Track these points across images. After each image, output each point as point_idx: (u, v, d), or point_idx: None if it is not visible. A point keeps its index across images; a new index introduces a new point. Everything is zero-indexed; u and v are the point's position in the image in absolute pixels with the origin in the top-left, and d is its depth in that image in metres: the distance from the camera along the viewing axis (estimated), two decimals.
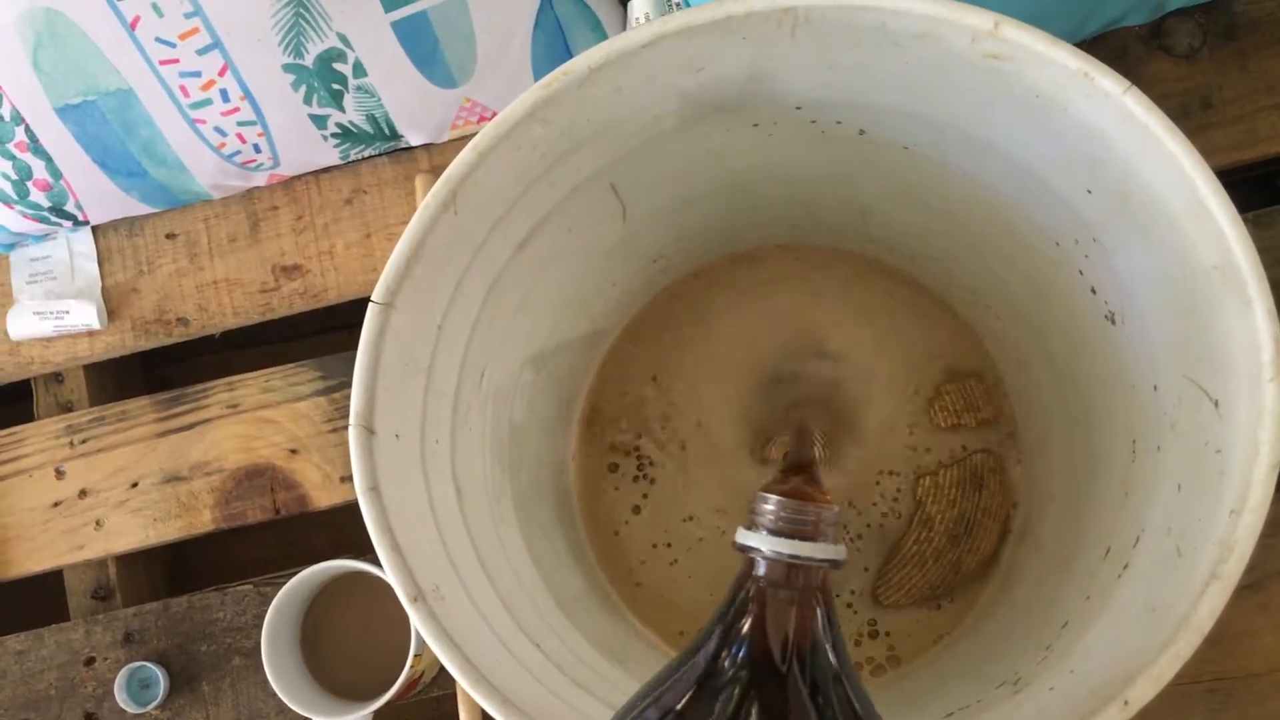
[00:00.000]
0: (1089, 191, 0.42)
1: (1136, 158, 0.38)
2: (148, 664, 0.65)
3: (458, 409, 0.45)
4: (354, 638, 0.62)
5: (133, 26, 0.57)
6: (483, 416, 0.48)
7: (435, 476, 0.42)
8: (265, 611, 0.65)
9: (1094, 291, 0.46)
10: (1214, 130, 0.64)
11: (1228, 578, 0.34)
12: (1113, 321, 0.46)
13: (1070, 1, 0.59)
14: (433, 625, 0.36)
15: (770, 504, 0.39)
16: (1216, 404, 0.38)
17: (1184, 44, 0.65)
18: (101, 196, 0.65)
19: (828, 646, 0.36)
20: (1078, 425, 0.52)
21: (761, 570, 0.37)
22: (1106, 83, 0.36)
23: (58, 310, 0.69)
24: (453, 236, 0.40)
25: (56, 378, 0.72)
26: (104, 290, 0.70)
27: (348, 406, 0.67)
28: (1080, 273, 0.47)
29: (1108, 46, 0.65)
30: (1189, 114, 0.64)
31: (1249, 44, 0.65)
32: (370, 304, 0.38)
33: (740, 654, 0.36)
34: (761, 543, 0.37)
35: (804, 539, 0.37)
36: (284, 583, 0.63)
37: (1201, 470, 0.38)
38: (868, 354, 0.59)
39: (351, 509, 0.68)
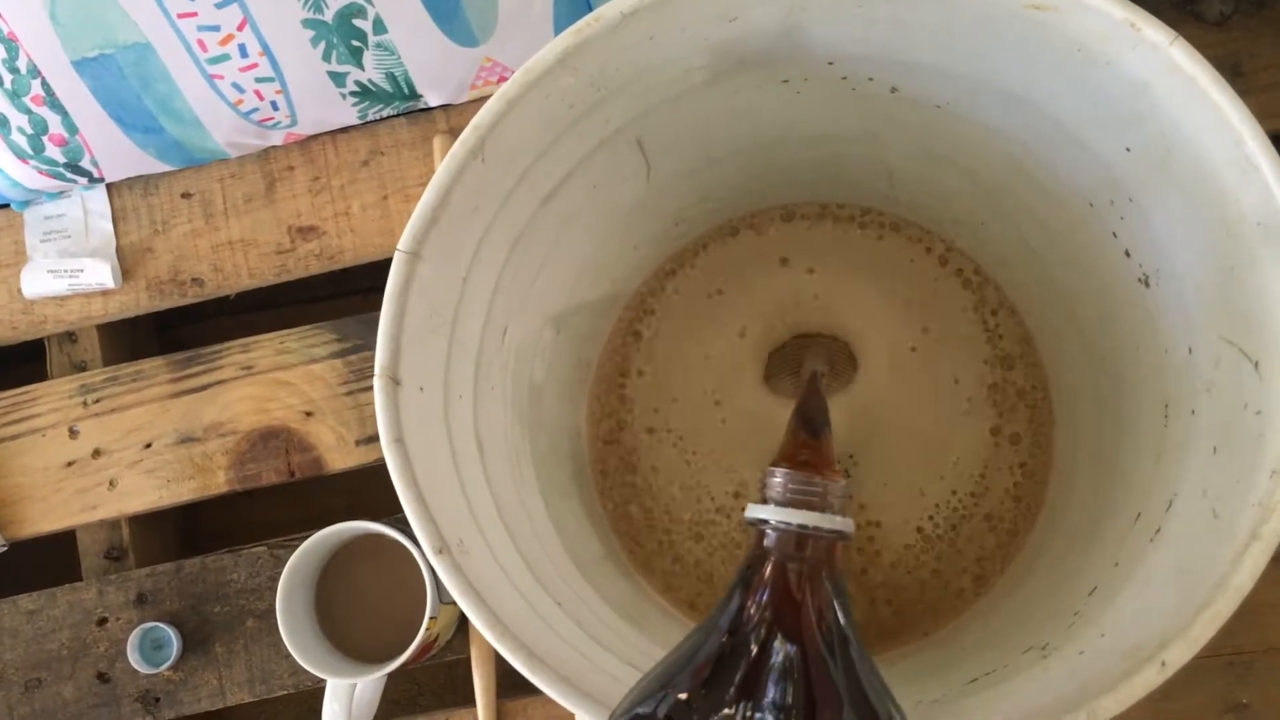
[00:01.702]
0: (1127, 149, 0.41)
1: (1180, 111, 0.37)
2: (160, 624, 0.65)
3: (480, 365, 0.45)
4: (369, 600, 0.62)
5: None
6: (504, 374, 0.48)
7: (458, 432, 0.42)
8: (279, 574, 0.65)
9: (1128, 254, 0.46)
10: (1245, 98, 0.63)
11: (1269, 538, 0.33)
12: (1146, 285, 0.45)
13: None
14: (458, 578, 0.36)
15: (779, 477, 0.40)
16: (1256, 365, 0.37)
17: (1215, 11, 0.64)
18: (117, 153, 0.64)
19: (838, 615, 0.37)
20: (1106, 392, 0.51)
21: (770, 542, 0.38)
22: (1153, 33, 0.36)
23: (72, 269, 0.68)
24: (480, 185, 0.39)
25: (70, 337, 0.71)
26: (119, 249, 0.70)
27: (363, 369, 0.67)
28: (1114, 235, 0.46)
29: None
30: None
31: (1279, 12, 0.64)
32: (396, 253, 0.38)
33: (755, 626, 0.36)
34: (770, 514, 0.38)
35: (811, 510, 0.38)
36: (298, 545, 0.63)
37: (1239, 432, 0.38)
38: (886, 316, 0.58)
39: (366, 472, 0.67)
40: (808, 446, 0.44)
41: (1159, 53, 0.36)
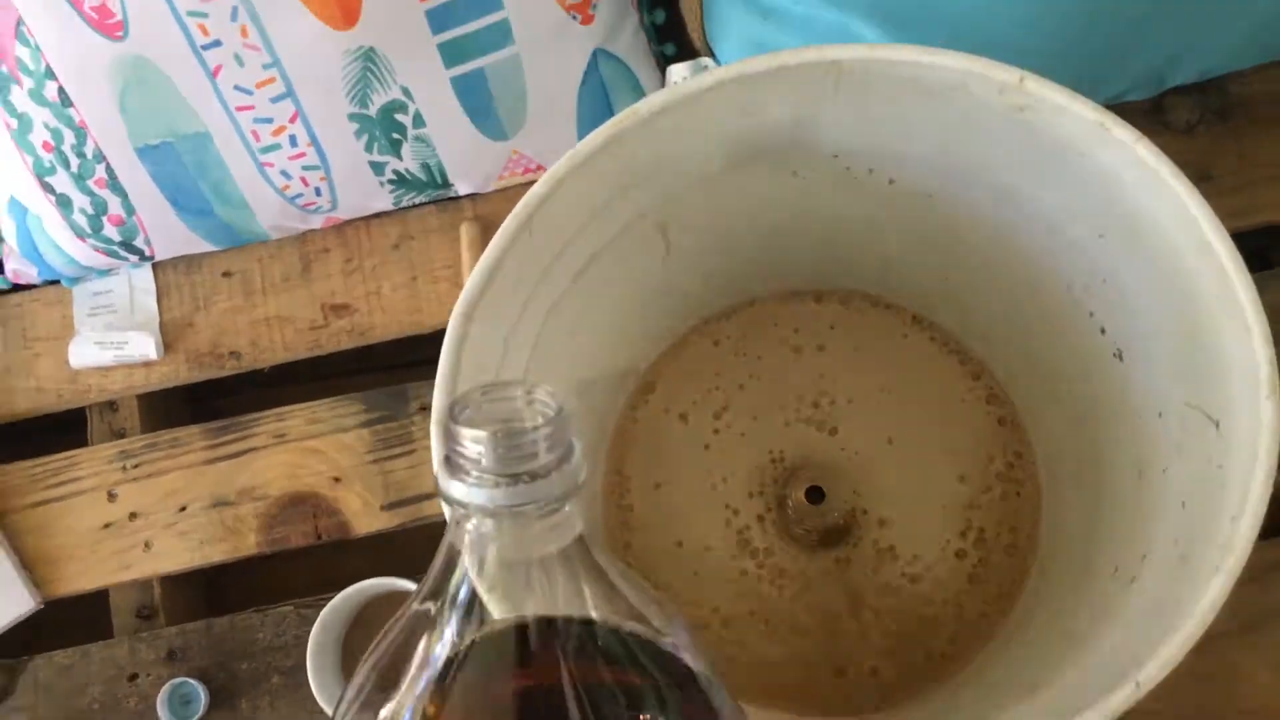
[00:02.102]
0: (1101, 235, 0.46)
1: (1147, 200, 0.42)
2: (189, 680, 0.68)
3: None
4: None
5: (215, 75, 0.61)
6: None
7: None
8: (304, 632, 0.68)
9: (1103, 331, 0.50)
10: (1211, 200, 0.69)
11: (1229, 571, 0.37)
12: (1120, 358, 0.50)
13: (1076, 75, 0.63)
14: None
15: (464, 437, 0.28)
16: (1218, 424, 0.42)
17: (1182, 120, 0.70)
18: (169, 233, 0.69)
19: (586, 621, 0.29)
20: (1086, 460, 0.56)
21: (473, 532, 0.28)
22: (1121, 132, 0.41)
23: (117, 341, 0.73)
24: (526, 257, 0.44)
25: (111, 406, 0.75)
26: (161, 324, 0.74)
27: (389, 438, 0.72)
28: (1091, 314, 0.51)
29: None
30: None
31: (1242, 121, 0.70)
32: (453, 315, 0.42)
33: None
34: (466, 494, 0.28)
35: (518, 479, 0.27)
36: (322, 605, 0.66)
37: (1205, 486, 0.42)
38: (880, 401, 0.63)
39: (389, 536, 0.71)
40: None
41: (1126, 149, 0.41)
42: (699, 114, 0.44)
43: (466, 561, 0.29)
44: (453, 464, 0.28)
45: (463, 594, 0.30)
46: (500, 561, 0.29)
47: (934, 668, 0.59)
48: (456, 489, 0.28)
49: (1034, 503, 0.60)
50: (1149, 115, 0.70)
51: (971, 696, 0.56)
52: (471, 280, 0.42)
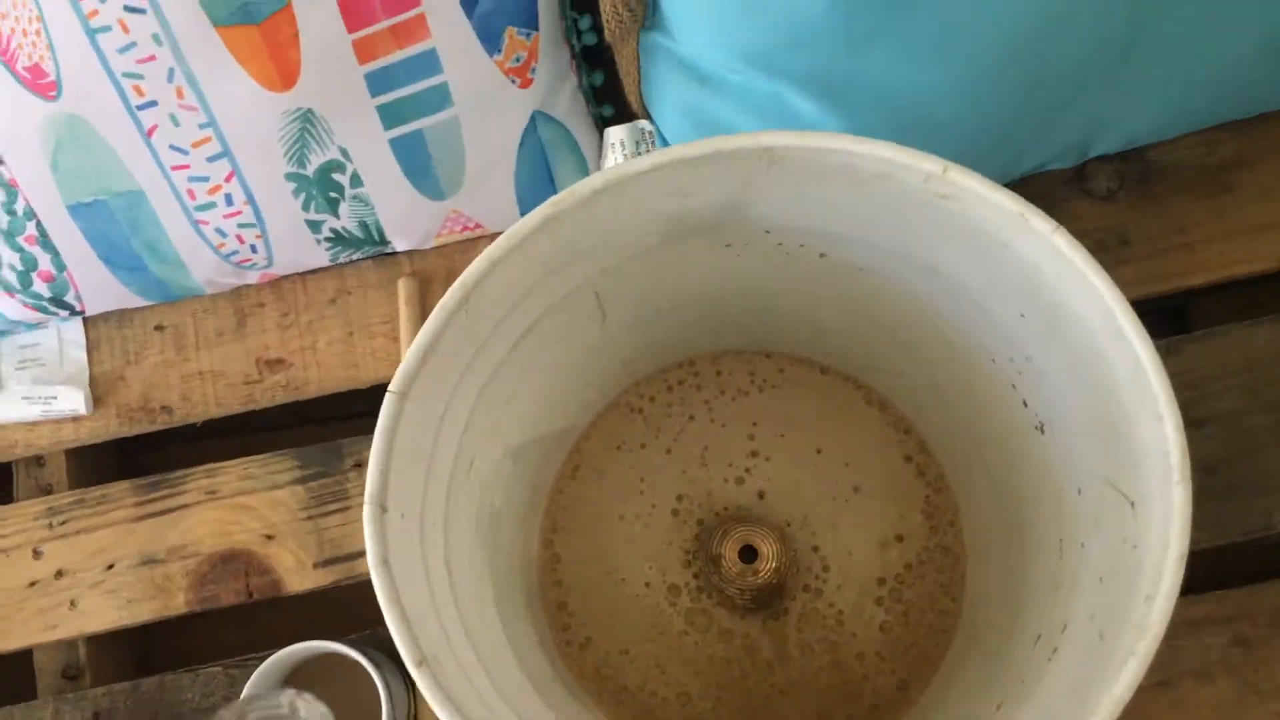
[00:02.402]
0: (1022, 315, 0.48)
1: (1064, 288, 0.43)
2: None
3: (450, 494, 0.49)
4: None
5: (149, 134, 0.61)
6: (470, 502, 0.52)
7: (431, 555, 0.46)
8: (234, 693, 0.67)
9: (1025, 404, 0.52)
10: (1130, 264, 0.71)
11: (1143, 654, 0.39)
12: (1042, 431, 0.51)
13: (1002, 147, 0.65)
14: (437, 690, 0.40)
15: None
16: (1133, 505, 0.43)
17: (1103, 187, 0.73)
18: (101, 289, 0.69)
19: None
20: (1013, 528, 0.57)
21: None
22: (1038, 223, 0.42)
23: (45, 395, 0.72)
24: (462, 334, 0.44)
25: (38, 461, 0.74)
26: (91, 378, 0.73)
27: (323, 495, 0.71)
28: (1014, 386, 0.52)
29: (1035, 187, 0.72)
30: (1108, 249, 0.71)
31: (1161, 188, 0.72)
32: (388, 394, 0.43)
33: None
34: None
35: None
36: (252, 664, 0.66)
37: (1121, 563, 0.43)
38: (812, 461, 0.64)
39: (321, 595, 0.71)
40: None
41: (1044, 239, 0.42)
42: (636, 194, 0.45)
43: None
44: None
45: None
46: None
47: None
48: None
49: (960, 566, 0.62)
50: (1070, 184, 0.72)
51: None
52: (407, 359, 0.43)
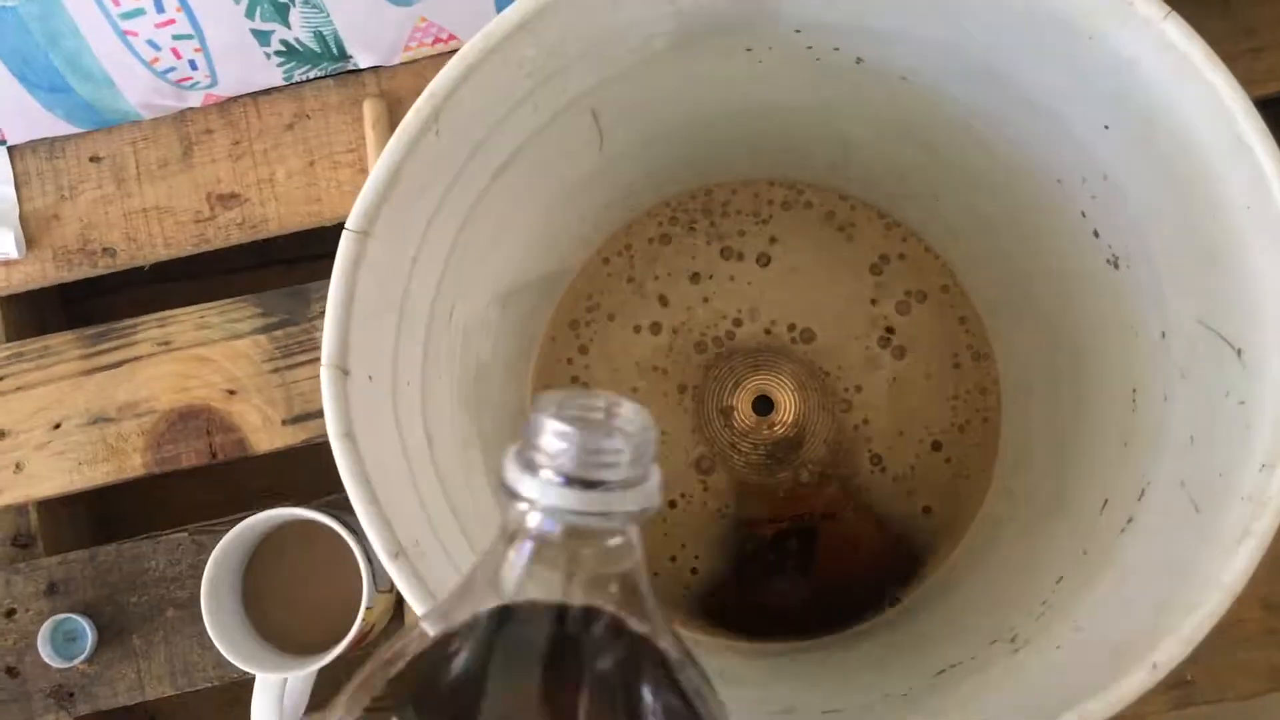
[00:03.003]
0: (1106, 127, 0.40)
1: (1169, 90, 0.35)
2: (73, 615, 0.61)
3: (428, 349, 0.42)
4: (300, 589, 0.59)
5: None
6: (451, 357, 0.45)
7: (407, 422, 0.39)
8: (200, 560, 0.62)
9: (1097, 234, 0.44)
10: (1258, 63, 0.63)
11: (1261, 535, 0.32)
12: (1115, 266, 0.44)
13: None
14: (416, 584, 0.33)
15: (546, 430, 0.24)
16: (1239, 353, 0.36)
17: None
18: (21, 113, 0.60)
19: (647, 642, 0.26)
20: (1064, 372, 0.50)
21: (535, 530, 0.24)
22: (1145, 7, 0.34)
23: None
24: (432, 159, 0.36)
25: None
26: (22, 217, 0.65)
27: (290, 345, 0.64)
28: (1083, 214, 0.45)
29: None
30: None
31: None
32: (345, 232, 0.35)
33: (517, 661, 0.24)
34: (536, 492, 0.24)
35: (594, 487, 0.24)
36: (220, 530, 0.60)
37: (1221, 422, 0.37)
38: (835, 295, 0.57)
39: (293, 453, 0.64)
40: None
41: (1150, 28, 0.34)
42: None
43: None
44: (524, 458, 0.24)
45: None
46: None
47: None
48: (527, 485, 0.24)
49: (994, 417, 0.55)
50: None
51: (938, 624, 0.51)
52: (365, 192, 0.35)
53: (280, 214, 0.65)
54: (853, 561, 0.56)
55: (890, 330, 0.57)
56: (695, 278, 0.58)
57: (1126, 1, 0.34)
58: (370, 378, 0.37)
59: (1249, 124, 0.34)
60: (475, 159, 0.40)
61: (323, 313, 0.63)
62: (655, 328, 0.57)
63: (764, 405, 0.57)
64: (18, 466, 0.64)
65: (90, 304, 0.73)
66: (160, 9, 0.55)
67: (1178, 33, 0.34)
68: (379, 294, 0.37)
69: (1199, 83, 0.34)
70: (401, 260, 0.38)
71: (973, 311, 0.57)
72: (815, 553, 0.56)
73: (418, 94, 0.63)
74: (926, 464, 0.56)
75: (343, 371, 0.35)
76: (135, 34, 0.56)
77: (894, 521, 0.56)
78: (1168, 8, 0.34)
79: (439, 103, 0.35)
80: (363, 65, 0.63)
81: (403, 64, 0.64)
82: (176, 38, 0.57)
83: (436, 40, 0.62)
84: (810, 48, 0.44)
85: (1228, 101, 0.34)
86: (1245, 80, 0.62)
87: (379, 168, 0.35)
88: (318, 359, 0.63)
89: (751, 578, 0.56)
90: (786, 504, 0.56)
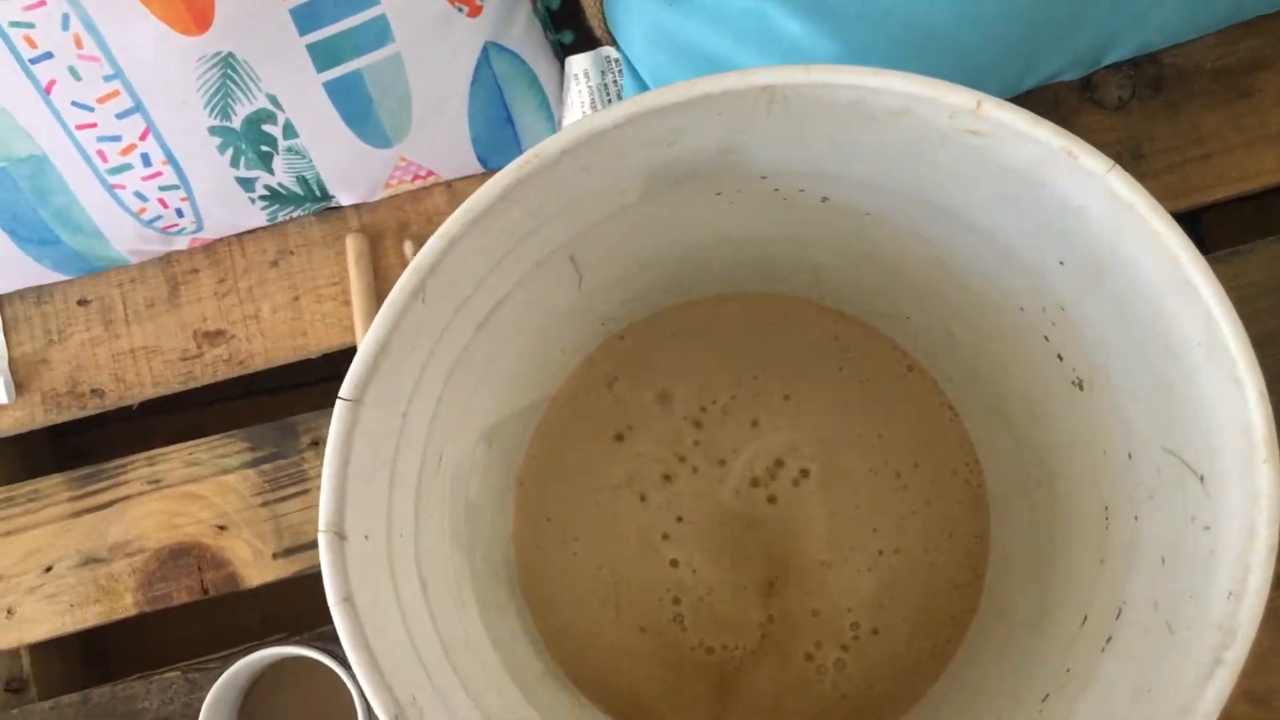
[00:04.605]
0: (1061, 263, 0.42)
1: (1117, 234, 0.37)
2: None
3: (420, 497, 0.43)
4: None
5: (47, 90, 0.53)
6: (442, 500, 0.46)
7: (402, 574, 0.40)
8: (194, 699, 0.62)
9: (1060, 358, 0.46)
10: (1145, 181, 0.65)
11: (1232, 664, 0.33)
12: (1080, 388, 0.46)
13: (1008, 61, 0.59)
14: None
15: None
16: (1202, 479, 0.38)
17: (1114, 96, 0.66)
18: (10, 266, 0.61)
19: None
20: (1040, 487, 0.52)
21: None
22: (1090, 161, 0.36)
23: None
24: (419, 325, 0.38)
25: None
26: (11, 362, 0.66)
27: (278, 479, 0.65)
28: (1046, 339, 0.46)
29: (1041, 99, 0.65)
30: (1121, 164, 0.65)
31: (1176, 95, 0.66)
32: (339, 401, 0.36)
33: None
34: None
35: None
36: (213, 667, 0.60)
37: (1188, 545, 0.38)
38: (813, 400, 0.58)
39: (284, 585, 0.65)
40: None
41: (1096, 180, 0.36)
42: (612, 149, 0.39)
43: None
44: None
45: None
46: None
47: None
48: None
49: (982, 517, 0.57)
50: (1078, 94, 0.66)
51: None
52: (357, 364, 0.36)
53: (266, 348, 0.66)
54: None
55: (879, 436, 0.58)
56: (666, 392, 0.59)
57: (1073, 156, 0.36)
58: (366, 537, 0.38)
59: (1195, 267, 0.36)
60: (460, 315, 0.41)
61: (312, 444, 0.64)
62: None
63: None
64: (9, 612, 0.64)
65: (80, 439, 0.74)
66: (147, 163, 0.57)
67: (1122, 184, 0.36)
68: (372, 456, 0.38)
69: (1144, 230, 0.36)
70: (393, 420, 0.39)
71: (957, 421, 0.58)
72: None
73: (399, 227, 0.66)
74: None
75: (340, 537, 0.36)
76: (123, 187, 0.58)
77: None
78: (1111, 162, 0.36)
79: (424, 275, 0.36)
80: (345, 203, 0.65)
81: (383, 199, 0.66)
82: (163, 189, 0.59)
83: (416, 177, 0.64)
84: (777, 190, 0.46)
85: (1174, 249, 0.36)
86: (1196, 187, 0.65)
87: (369, 339, 0.36)
88: (307, 491, 0.64)
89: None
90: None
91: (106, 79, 0.54)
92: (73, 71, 0.53)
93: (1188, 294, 0.36)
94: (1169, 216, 0.36)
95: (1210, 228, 0.78)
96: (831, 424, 0.58)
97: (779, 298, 0.59)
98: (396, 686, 0.35)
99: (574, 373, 0.59)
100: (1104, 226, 0.38)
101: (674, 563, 0.57)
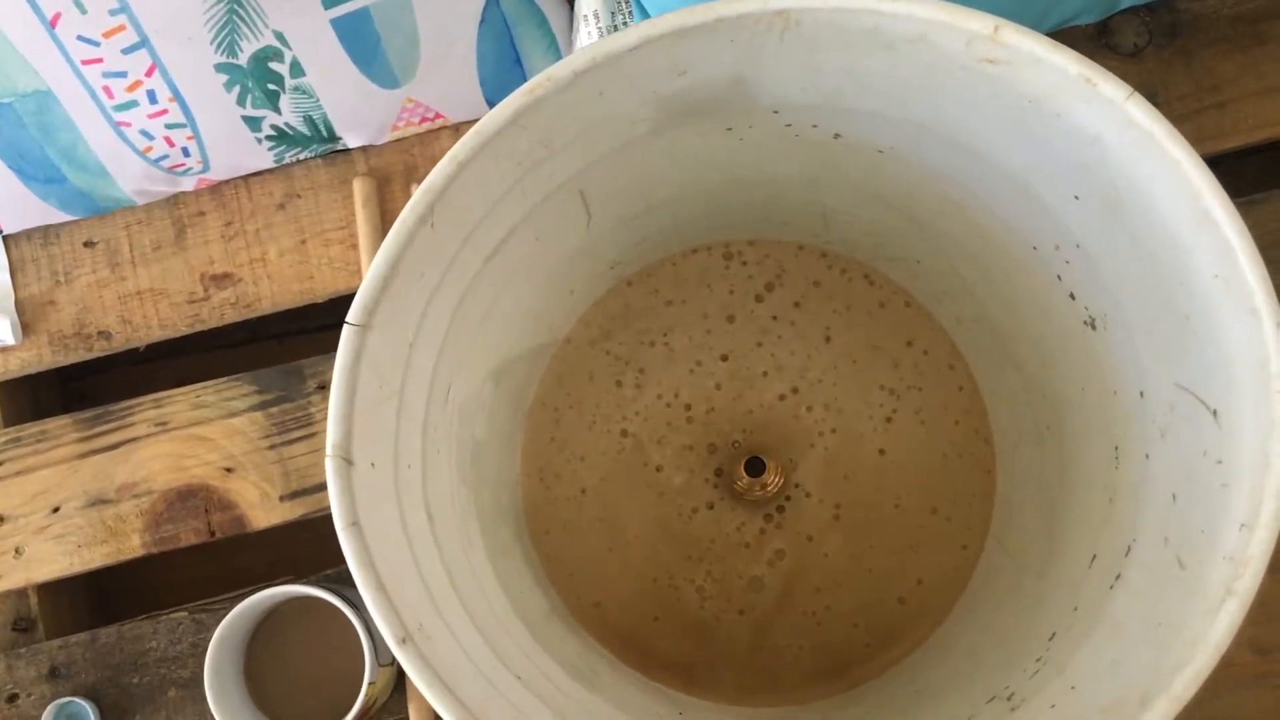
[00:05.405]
0: (1076, 197, 0.41)
1: (1134, 165, 0.37)
2: (76, 699, 0.61)
3: (427, 430, 0.43)
4: (302, 665, 0.60)
5: (53, 24, 0.53)
6: (449, 436, 0.46)
7: (409, 505, 0.40)
8: (201, 639, 0.62)
9: (1073, 297, 0.46)
10: None
11: (1244, 595, 0.33)
12: (1093, 327, 0.45)
13: (1025, 2, 0.58)
14: (424, 669, 0.34)
15: None
16: (1215, 413, 0.37)
17: (1129, 42, 0.66)
18: (16, 204, 0.61)
19: None
20: (1048, 430, 0.52)
21: None
22: (1109, 89, 0.36)
23: None
24: (428, 251, 0.38)
25: None
26: (17, 303, 0.66)
27: (285, 421, 0.65)
28: (1059, 278, 0.46)
29: None
30: None
31: (1192, 42, 0.65)
32: (345, 326, 0.36)
33: None
34: None
35: None
36: (220, 608, 0.60)
37: (1200, 480, 0.38)
38: (825, 357, 0.58)
39: (290, 528, 0.65)
40: None
41: (1114, 108, 0.36)
42: (624, 75, 0.38)
43: None
44: None
45: None
46: None
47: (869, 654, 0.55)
48: None
49: (988, 466, 0.57)
50: (1094, 40, 0.65)
51: (936, 682, 0.52)
52: (365, 287, 0.36)
53: (273, 292, 0.66)
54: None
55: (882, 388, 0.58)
56: (672, 339, 0.59)
57: (1091, 83, 0.36)
58: (373, 465, 0.37)
59: (1214, 198, 0.35)
60: (468, 244, 0.41)
61: (319, 388, 0.64)
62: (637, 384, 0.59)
63: (755, 466, 0.58)
64: (17, 551, 0.64)
65: (87, 383, 0.74)
66: (154, 100, 0.57)
67: (1140, 112, 0.35)
68: (379, 383, 0.38)
69: (1163, 159, 0.36)
70: (400, 348, 0.39)
71: (965, 367, 0.58)
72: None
73: (406, 170, 0.65)
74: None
75: (347, 462, 0.36)
76: (129, 125, 0.58)
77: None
78: (1129, 89, 0.35)
79: (434, 198, 0.36)
80: (352, 145, 0.64)
81: (391, 142, 0.65)
82: (169, 127, 0.58)
83: (424, 119, 0.63)
84: (789, 125, 0.45)
85: (1192, 177, 0.35)
86: (1211, 135, 0.64)
87: (377, 262, 0.36)
88: (314, 434, 0.64)
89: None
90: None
91: (112, 13, 0.53)
92: (78, 4, 0.52)
93: (1206, 225, 0.36)
94: (1188, 145, 0.35)
95: (1225, 176, 0.77)
96: (837, 375, 0.58)
97: (787, 245, 0.59)
98: (403, 611, 0.35)
99: (583, 316, 0.59)
100: (1121, 157, 0.37)
101: (680, 507, 0.57)
